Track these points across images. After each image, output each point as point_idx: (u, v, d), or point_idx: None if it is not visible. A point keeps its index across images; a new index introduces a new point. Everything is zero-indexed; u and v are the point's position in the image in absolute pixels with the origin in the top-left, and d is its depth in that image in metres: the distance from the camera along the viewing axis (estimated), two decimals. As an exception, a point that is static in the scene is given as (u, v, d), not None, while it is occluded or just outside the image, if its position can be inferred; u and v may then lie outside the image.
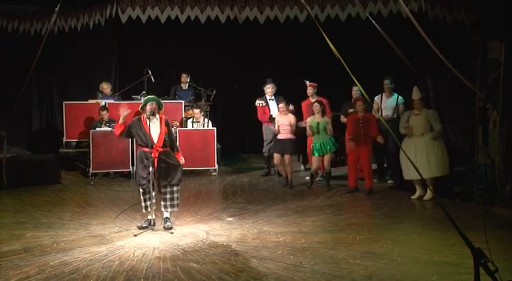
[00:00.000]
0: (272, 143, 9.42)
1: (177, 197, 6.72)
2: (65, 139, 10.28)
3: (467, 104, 8.42)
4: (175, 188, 6.68)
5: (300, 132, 9.37)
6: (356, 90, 9.31)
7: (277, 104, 9.30)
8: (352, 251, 5.82)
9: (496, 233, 5.94)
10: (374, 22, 5.76)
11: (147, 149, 6.51)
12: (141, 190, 6.65)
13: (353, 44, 9.97)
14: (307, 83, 9.61)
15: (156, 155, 6.49)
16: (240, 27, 11.06)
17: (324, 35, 4.89)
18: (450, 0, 10.58)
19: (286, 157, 9.00)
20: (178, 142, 8.86)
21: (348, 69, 4.53)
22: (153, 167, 6.46)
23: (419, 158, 7.82)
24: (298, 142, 9.34)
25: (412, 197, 8.14)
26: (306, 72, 10.64)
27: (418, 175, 7.57)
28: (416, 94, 8.22)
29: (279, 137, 9.05)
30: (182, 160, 6.77)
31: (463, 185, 8.22)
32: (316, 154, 8.74)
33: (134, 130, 6.59)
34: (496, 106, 7.80)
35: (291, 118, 9.02)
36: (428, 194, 7.97)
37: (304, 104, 9.69)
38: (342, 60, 4.58)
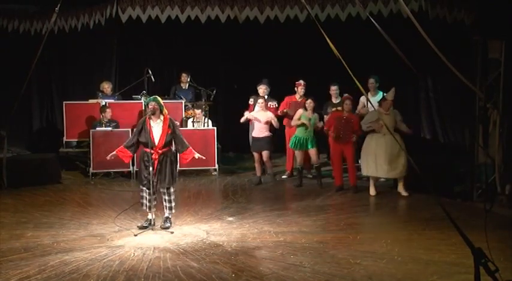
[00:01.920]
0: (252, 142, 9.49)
1: (174, 199, 6.76)
2: (65, 139, 10.27)
3: (467, 104, 8.43)
4: (171, 190, 6.70)
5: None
6: (334, 89, 9.50)
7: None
8: (352, 250, 5.83)
9: (496, 233, 5.94)
10: (374, 22, 5.76)
11: (148, 150, 6.53)
12: (145, 190, 6.66)
13: (353, 43, 9.97)
14: (301, 82, 9.62)
15: (157, 157, 6.51)
16: (240, 27, 11.06)
17: (324, 34, 4.89)
18: (450, 0, 10.58)
19: (264, 153, 9.12)
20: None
21: (348, 68, 4.53)
22: (153, 167, 6.48)
23: (398, 156, 8.08)
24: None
25: (371, 194, 8.37)
26: (306, 72, 10.64)
27: (375, 173, 8.23)
28: (391, 95, 8.34)
29: (255, 135, 9.18)
30: (196, 155, 6.73)
31: (463, 185, 8.22)
32: (294, 147, 8.91)
33: (140, 130, 6.59)
34: (496, 106, 7.81)
35: (269, 115, 9.13)
36: (400, 187, 8.30)
37: (287, 99, 9.69)
38: (342, 59, 4.58)
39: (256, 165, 9.32)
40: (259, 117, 9.14)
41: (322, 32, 4.93)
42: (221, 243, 6.15)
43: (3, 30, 11.68)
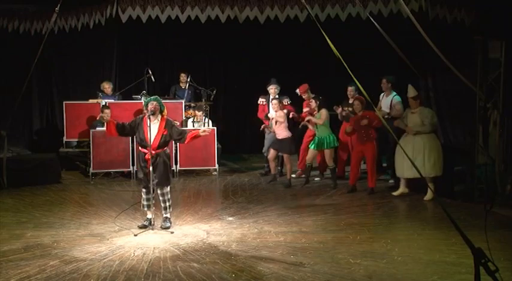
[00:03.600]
0: (271, 142, 9.44)
1: (169, 199, 6.76)
2: (65, 139, 10.27)
3: (467, 103, 8.43)
4: (166, 190, 6.71)
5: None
6: (351, 90, 9.34)
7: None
8: (352, 250, 5.83)
9: (496, 233, 5.95)
10: (374, 22, 5.77)
11: (144, 150, 6.55)
12: (143, 190, 6.70)
13: (353, 43, 9.97)
14: (298, 91, 9.57)
15: (149, 157, 6.51)
16: (240, 27, 11.07)
17: (324, 34, 4.89)
18: (450, 0, 10.59)
19: (285, 156, 9.06)
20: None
21: (348, 68, 4.53)
22: (147, 168, 6.50)
23: (417, 156, 7.85)
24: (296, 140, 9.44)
25: (394, 193, 8.27)
26: (306, 72, 10.65)
27: (411, 174, 7.87)
28: (410, 92, 8.23)
29: (278, 136, 9.10)
30: (202, 131, 6.67)
31: (463, 185, 8.22)
32: (313, 147, 8.86)
33: (135, 129, 6.60)
34: (496, 106, 7.80)
35: (283, 113, 9.09)
36: (429, 195, 7.96)
37: (304, 105, 9.67)
38: (342, 59, 4.58)
39: (272, 164, 9.29)
40: (276, 117, 9.09)
41: (322, 32, 4.93)
42: (221, 243, 6.15)
43: (3, 31, 11.68)
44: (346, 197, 8.37)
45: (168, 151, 6.81)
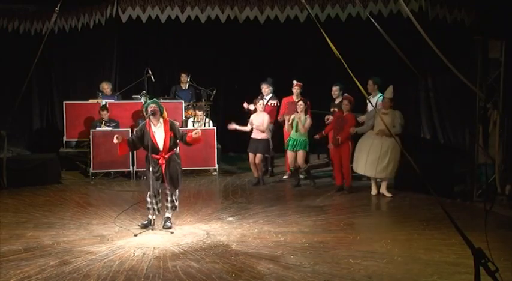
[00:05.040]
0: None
1: (177, 199, 6.79)
2: (65, 139, 10.27)
3: (467, 103, 8.43)
4: (176, 192, 6.74)
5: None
6: (335, 90, 9.35)
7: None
8: (352, 250, 5.83)
9: (496, 233, 5.95)
10: (374, 22, 5.76)
11: (154, 156, 6.52)
12: (149, 193, 6.61)
13: (353, 43, 9.97)
14: (295, 82, 9.57)
15: (164, 161, 6.51)
16: (240, 27, 11.06)
17: (324, 34, 4.89)
18: (450, 0, 10.59)
19: (258, 156, 9.07)
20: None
21: (347, 68, 4.53)
22: (161, 172, 6.50)
23: (371, 155, 8.17)
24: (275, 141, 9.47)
25: (371, 193, 8.41)
26: (306, 72, 10.65)
27: (361, 170, 8.35)
28: (390, 92, 8.36)
29: (254, 136, 9.12)
30: (197, 130, 6.68)
31: (463, 185, 8.22)
32: (289, 149, 8.93)
33: (142, 138, 6.53)
34: (496, 106, 7.81)
35: (265, 117, 9.09)
36: (373, 190, 8.40)
37: (285, 101, 9.61)
38: (341, 59, 4.58)
39: (253, 167, 9.29)
40: (256, 119, 9.10)
41: (322, 32, 4.93)
42: (221, 243, 6.15)
43: (3, 31, 11.68)
44: (346, 197, 8.37)
45: (178, 151, 6.81)
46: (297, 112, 8.85)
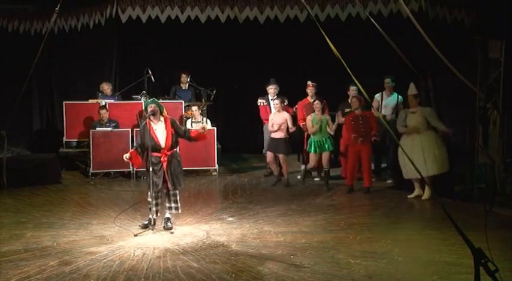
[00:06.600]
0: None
1: (179, 199, 6.76)
2: (65, 139, 10.27)
3: (467, 103, 8.43)
4: (177, 191, 6.72)
5: (301, 132, 9.38)
6: (353, 90, 9.32)
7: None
8: (352, 251, 5.82)
9: (496, 233, 5.93)
10: (374, 22, 5.77)
11: (155, 154, 6.51)
12: (152, 194, 6.54)
13: (353, 43, 9.97)
14: (309, 83, 9.57)
15: (165, 159, 6.51)
16: (240, 27, 11.06)
17: (324, 34, 4.89)
18: (450, 0, 10.59)
19: (281, 156, 9.03)
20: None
21: (347, 68, 4.53)
22: (163, 170, 6.49)
23: (416, 156, 7.75)
24: (297, 141, 9.37)
25: (409, 196, 8.16)
26: (306, 72, 10.65)
27: (416, 174, 7.66)
28: (412, 90, 8.22)
29: (273, 136, 9.08)
30: (204, 127, 6.84)
31: (463, 185, 8.22)
32: (313, 151, 8.82)
33: (142, 136, 6.53)
34: (496, 106, 7.81)
35: (285, 115, 9.05)
36: (426, 194, 7.97)
37: (301, 104, 9.60)
38: (341, 59, 4.58)
39: (273, 166, 9.24)
40: (276, 118, 9.05)
41: (322, 32, 4.93)
42: (221, 243, 6.14)
43: (3, 31, 11.69)
44: (346, 197, 8.37)
45: (178, 150, 6.81)
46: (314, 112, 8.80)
